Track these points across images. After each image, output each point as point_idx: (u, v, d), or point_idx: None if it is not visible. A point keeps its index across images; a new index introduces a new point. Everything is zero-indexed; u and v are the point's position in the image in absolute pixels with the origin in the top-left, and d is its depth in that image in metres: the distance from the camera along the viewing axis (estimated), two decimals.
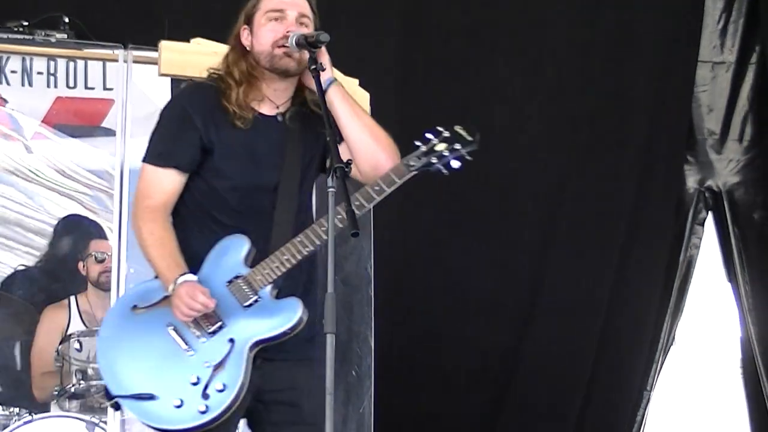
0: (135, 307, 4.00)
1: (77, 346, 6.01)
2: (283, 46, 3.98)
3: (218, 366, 3.88)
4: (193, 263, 3.95)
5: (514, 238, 7.24)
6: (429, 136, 3.96)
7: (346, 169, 3.69)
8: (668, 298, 7.32)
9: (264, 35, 4.04)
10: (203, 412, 3.85)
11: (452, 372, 6.95)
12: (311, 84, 3.99)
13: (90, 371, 5.96)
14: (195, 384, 3.87)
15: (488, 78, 7.26)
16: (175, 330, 3.93)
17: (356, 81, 6.04)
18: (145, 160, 4.07)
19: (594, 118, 7.37)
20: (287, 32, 3.98)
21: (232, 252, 3.94)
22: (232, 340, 3.89)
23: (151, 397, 3.90)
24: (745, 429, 7.38)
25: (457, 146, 3.97)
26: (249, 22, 4.09)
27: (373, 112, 6.18)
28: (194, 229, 4.04)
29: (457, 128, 3.99)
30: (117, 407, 4.03)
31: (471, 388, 7.02)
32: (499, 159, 7.13)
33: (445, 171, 3.98)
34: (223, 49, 5.74)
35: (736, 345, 7.47)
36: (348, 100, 4.04)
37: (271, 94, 4.08)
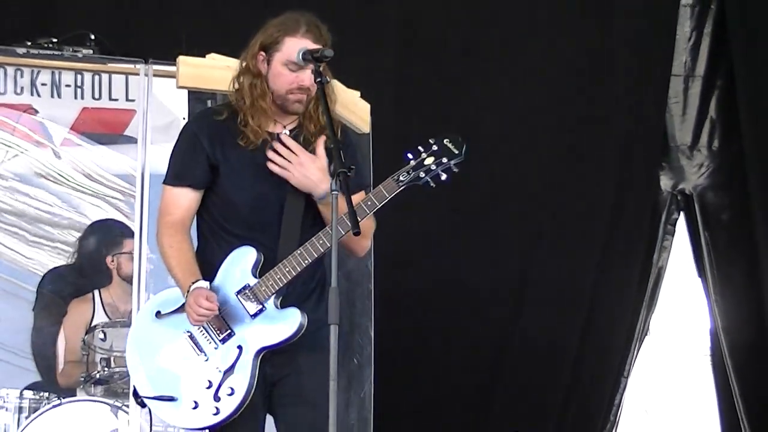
0: (158, 313, 4.03)
1: (101, 336, 6.03)
2: (299, 92, 3.99)
3: (228, 371, 3.92)
4: (210, 273, 3.98)
5: (503, 237, 7.23)
6: (419, 149, 3.94)
7: (348, 174, 3.68)
8: (644, 292, 7.33)
9: (281, 81, 4.01)
10: (215, 414, 3.91)
11: (446, 359, 6.96)
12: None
13: (113, 359, 5.98)
14: (208, 387, 3.92)
15: (479, 90, 7.26)
16: (191, 337, 3.98)
17: (357, 93, 6.05)
18: (164, 181, 4.11)
19: (576, 128, 7.36)
20: (302, 85, 3.98)
21: (242, 262, 3.96)
22: (240, 347, 3.92)
23: (171, 398, 3.95)
24: (713, 411, 7.39)
25: (445, 160, 3.93)
26: (267, 51, 4.04)
27: (373, 122, 6.24)
28: (211, 241, 4.08)
29: (445, 141, 3.95)
30: (143, 405, 4.07)
31: (464, 374, 7.02)
32: (490, 164, 7.15)
33: (432, 184, 3.96)
34: (234, 63, 5.76)
35: (706, 336, 7.49)
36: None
37: (279, 117, 4.09)
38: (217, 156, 4.03)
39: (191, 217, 4.09)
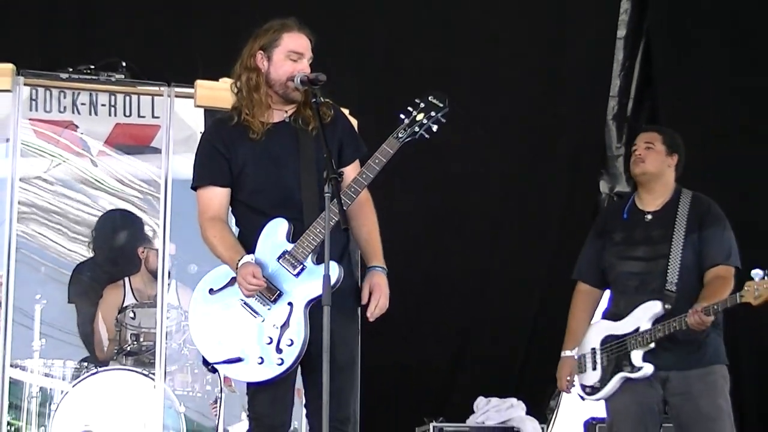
0: (211, 290, 3.96)
1: (131, 315, 6.06)
2: (293, 80, 3.96)
3: (284, 326, 3.83)
4: (249, 249, 3.93)
5: (470, 231, 7.27)
6: (409, 108, 3.91)
7: (339, 179, 3.68)
8: None
9: (283, 69, 3.97)
10: (280, 364, 3.82)
11: (421, 334, 6.99)
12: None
13: (142, 335, 6.00)
14: (269, 343, 3.83)
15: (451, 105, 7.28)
16: (245, 304, 3.89)
17: (347, 110, 6.07)
18: (192, 187, 4.08)
19: (532, 139, 7.39)
20: (299, 71, 3.96)
21: (276, 233, 3.89)
22: (290, 304, 3.85)
23: (239, 359, 3.86)
24: None
25: (433, 113, 3.91)
26: (266, 50, 4.00)
27: (359, 134, 6.24)
28: (247, 227, 4.01)
29: (430, 98, 3.94)
30: (214, 371, 4.00)
31: (437, 343, 7.04)
32: (458, 172, 7.20)
33: (427, 136, 3.92)
34: None
35: None
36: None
37: (279, 106, 4.04)
38: (232, 154, 3.98)
39: (225, 211, 4.03)
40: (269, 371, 3.85)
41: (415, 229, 7.12)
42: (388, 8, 7.26)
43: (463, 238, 7.23)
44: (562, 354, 4.80)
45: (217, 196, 4.02)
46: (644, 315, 4.54)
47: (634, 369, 4.53)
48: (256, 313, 3.88)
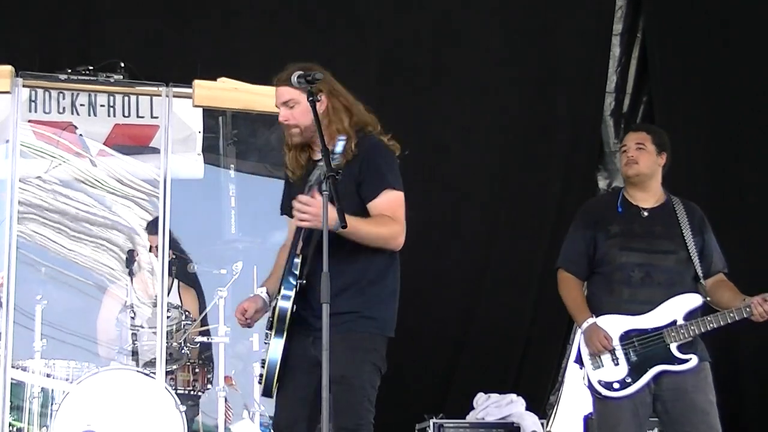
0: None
1: (132, 315, 6.03)
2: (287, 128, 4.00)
3: None
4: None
5: (467, 227, 7.25)
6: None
7: (336, 177, 3.65)
8: None
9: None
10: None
11: (419, 333, 6.95)
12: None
13: (144, 334, 5.98)
14: None
15: (445, 105, 7.26)
16: None
17: None
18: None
19: (528, 136, 7.37)
20: (281, 122, 3.99)
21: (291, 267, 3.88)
22: None
23: None
24: None
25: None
26: None
27: None
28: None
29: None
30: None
31: (436, 340, 7.01)
32: (455, 169, 7.18)
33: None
34: (241, 86, 5.79)
35: None
36: (358, 233, 3.83)
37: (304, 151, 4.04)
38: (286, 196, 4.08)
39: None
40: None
41: (413, 226, 7.08)
42: (388, 8, 7.24)
43: (461, 235, 7.22)
44: (585, 324, 4.62)
45: (289, 223, 4.08)
46: (681, 308, 4.55)
47: (677, 361, 4.52)
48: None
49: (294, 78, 3.89)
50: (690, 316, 4.56)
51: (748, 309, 4.48)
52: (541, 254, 7.22)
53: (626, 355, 4.56)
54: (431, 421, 6.13)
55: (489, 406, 6.32)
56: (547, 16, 7.46)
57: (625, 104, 7.54)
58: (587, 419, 6.04)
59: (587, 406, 5.97)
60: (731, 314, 4.51)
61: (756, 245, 6.68)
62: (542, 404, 6.97)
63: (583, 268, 4.78)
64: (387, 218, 3.96)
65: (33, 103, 6.20)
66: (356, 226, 3.76)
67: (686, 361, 4.52)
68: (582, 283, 4.82)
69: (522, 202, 7.33)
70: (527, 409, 6.32)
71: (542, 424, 6.32)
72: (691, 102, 7.33)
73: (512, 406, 6.31)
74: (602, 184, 7.52)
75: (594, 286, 4.76)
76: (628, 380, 4.54)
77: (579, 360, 4.71)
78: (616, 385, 4.55)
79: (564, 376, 7.23)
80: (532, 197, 7.34)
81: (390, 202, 3.99)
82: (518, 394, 6.41)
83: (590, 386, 4.64)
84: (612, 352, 4.57)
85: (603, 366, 4.59)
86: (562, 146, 7.40)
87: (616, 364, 4.57)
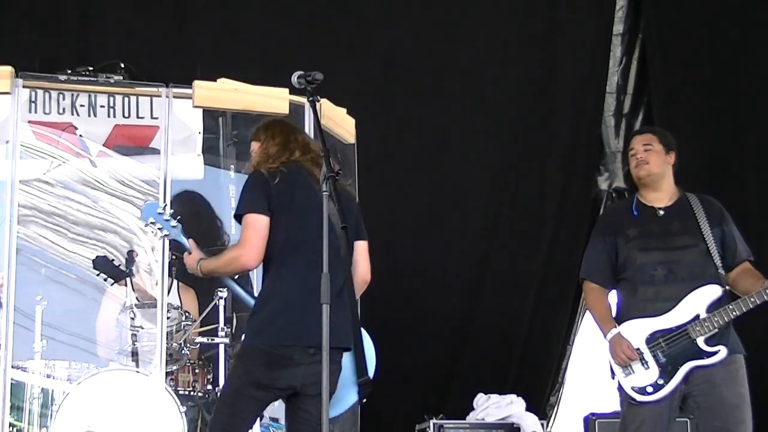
0: None
1: (132, 315, 6.00)
2: None
3: None
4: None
5: (467, 227, 7.25)
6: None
7: (336, 178, 3.65)
8: None
9: None
10: None
11: (420, 332, 6.94)
12: None
13: (144, 335, 5.95)
14: None
15: (447, 106, 7.26)
16: None
17: (344, 110, 6.04)
18: None
19: (528, 136, 7.38)
20: None
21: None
22: None
23: None
24: None
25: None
26: None
27: (357, 134, 6.21)
28: None
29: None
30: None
31: (436, 340, 7.00)
32: (455, 169, 7.17)
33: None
34: (241, 86, 5.75)
35: None
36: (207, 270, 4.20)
37: None
38: None
39: None
40: None
41: (413, 226, 7.09)
42: (388, 7, 7.23)
43: (460, 235, 7.21)
44: (610, 334, 4.58)
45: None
46: (702, 301, 4.52)
47: (706, 355, 4.49)
48: None
49: (294, 78, 3.89)
50: (712, 307, 4.51)
51: (767, 291, 4.44)
52: (541, 255, 7.21)
53: (655, 357, 4.52)
54: (431, 422, 6.12)
55: (489, 407, 6.31)
56: (548, 17, 7.46)
57: (626, 105, 7.54)
58: (587, 419, 6.03)
59: (587, 407, 5.96)
60: (752, 299, 4.46)
61: (756, 245, 6.64)
62: (542, 405, 6.97)
63: (606, 277, 4.73)
64: (230, 247, 4.16)
65: (33, 104, 6.17)
66: (204, 266, 4.17)
67: (715, 353, 4.48)
68: (607, 292, 4.76)
69: (522, 202, 7.31)
70: (527, 409, 6.31)
71: (542, 424, 6.30)
72: (691, 102, 7.33)
73: (512, 406, 6.30)
74: (603, 184, 7.51)
75: (622, 291, 4.72)
76: (660, 382, 4.50)
77: (612, 373, 4.64)
78: (649, 389, 4.51)
79: (564, 377, 7.22)
80: (533, 197, 7.32)
81: (241, 230, 4.05)
82: (518, 395, 6.40)
83: (625, 395, 4.57)
84: (641, 357, 4.53)
85: (634, 372, 4.55)
86: (562, 146, 7.38)
87: (647, 368, 4.52)
